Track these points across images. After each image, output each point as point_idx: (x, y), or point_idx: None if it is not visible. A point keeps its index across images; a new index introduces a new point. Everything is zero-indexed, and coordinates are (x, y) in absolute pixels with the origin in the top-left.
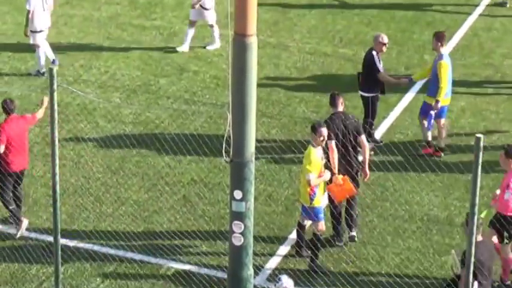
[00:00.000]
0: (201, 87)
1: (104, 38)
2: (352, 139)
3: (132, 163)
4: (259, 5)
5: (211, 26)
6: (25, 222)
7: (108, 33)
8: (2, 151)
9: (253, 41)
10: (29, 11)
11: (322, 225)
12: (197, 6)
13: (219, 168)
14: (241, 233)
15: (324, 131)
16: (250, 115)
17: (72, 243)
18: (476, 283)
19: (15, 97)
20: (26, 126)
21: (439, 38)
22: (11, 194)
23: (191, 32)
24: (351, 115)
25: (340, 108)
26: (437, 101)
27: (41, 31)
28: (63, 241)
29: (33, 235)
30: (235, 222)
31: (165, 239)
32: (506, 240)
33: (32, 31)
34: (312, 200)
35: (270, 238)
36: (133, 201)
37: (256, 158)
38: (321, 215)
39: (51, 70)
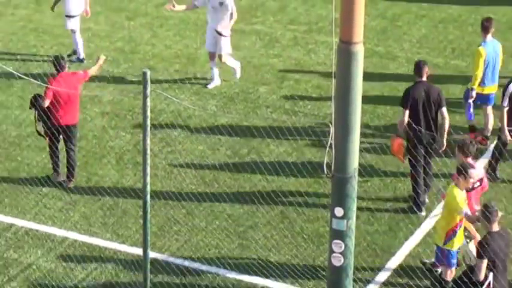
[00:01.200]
0: (302, 97)
1: (201, 43)
2: (433, 110)
3: (227, 175)
4: (366, 13)
5: (221, 57)
6: (61, 176)
7: (205, 37)
8: (46, 105)
9: (359, 49)
10: None
11: (450, 273)
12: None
13: (319, 183)
14: (341, 253)
15: (475, 173)
16: (354, 128)
17: (162, 257)
18: (491, 274)
19: (106, 102)
20: (77, 83)
21: (483, 25)
22: (58, 149)
23: (215, 65)
24: (435, 86)
25: (425, 77)
26: (471, 89)
27: (75, 16)
28: (152, 254)
29: (122, 247)
30: (335, 241)
31: (260, 255)
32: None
33: (66, 15)
34: (447, 241)
35: (371, 259)
36: (228, 216)
37: (359, 174)
38: (453, 261)
39: (145, 74)
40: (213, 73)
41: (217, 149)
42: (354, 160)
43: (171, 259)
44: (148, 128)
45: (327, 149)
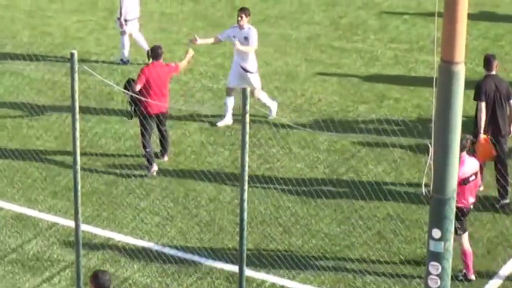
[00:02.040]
0: (402, 116)
1: (302, 59)
2: (503, 103)
3: (324, 193)
4: (468, 32)
5: (253, 93)
6: (155, 167)
7: (306, 54)
8: (137, 89)
9: (460, 69)
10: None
11: None
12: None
13: (417, 204)
14: (438, 275)
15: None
16: (453, 149)
17: (258, 275)
18: None
19: (205, 117)
20: (168, 74)
21: None
22: (150, 137)
23: (231, 103)
24: (504, 80)
25: (494, 71)
26: None
27: (131, 20)
28: (248, 272)
29: (218, 264)
30: (432, 263)
31: (356, 276)
32: (459, 232)
33: (119, 18)
34: None
35: (468, 282)
36: (324, 235)
37: None
38: None
39: (244, 91)
40: (226, 109)
41: (316, 167)
42: (453, 181)
43: (268, 277)
44: (247, 145)
45: (426, 169)
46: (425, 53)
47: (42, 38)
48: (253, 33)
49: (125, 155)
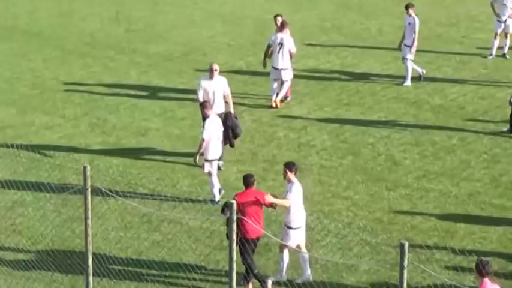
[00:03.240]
0: None
1: (461, 216)
2: None
3: None
4: None
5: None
6: (269, 283)
7: (466, 210)
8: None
9: None
10: (203, 140)
11: None
12: None
13: None
14: None
15: None
16: None
17: None
18: None
19: (363, 271)
20: (259, 201)
21: None
22: (252, 258)
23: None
24: None
25: None
26: None
27: (213, 160)
28: None
29: None
30: None
31: None
32: None
33: (206, 160)
34: None
35: None
36: None
37: None
38: None
39: (402, 246)
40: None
41: None
42: None
43: None
44: None
45: None
46: None
47: (202, 186)
48: None
49: None
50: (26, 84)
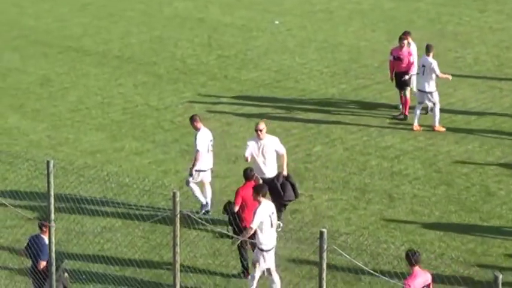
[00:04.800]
0: None
1: None
2: None
3: None
4: None
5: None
6: (249, 277)
7: None
8: (236, 210)
9: None
10: (198, 152)
11: None
12: None
13: None
14: None
15: None
16: None
17: None
18: None
19: None
20: None
21: None
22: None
23: None
24: None
25: None
26: None
27: (204, 170)
28: None
29: None
30: None
31: None
32: None
33: (197, 170)
34: None
35: None
36: None
37: None
38: None
39: (496, 278)
40: None
41: None
42: None
43: None
44: None
45: None
46: None
47: (292, 215)
48: None
49: None
50: (117, 110)
